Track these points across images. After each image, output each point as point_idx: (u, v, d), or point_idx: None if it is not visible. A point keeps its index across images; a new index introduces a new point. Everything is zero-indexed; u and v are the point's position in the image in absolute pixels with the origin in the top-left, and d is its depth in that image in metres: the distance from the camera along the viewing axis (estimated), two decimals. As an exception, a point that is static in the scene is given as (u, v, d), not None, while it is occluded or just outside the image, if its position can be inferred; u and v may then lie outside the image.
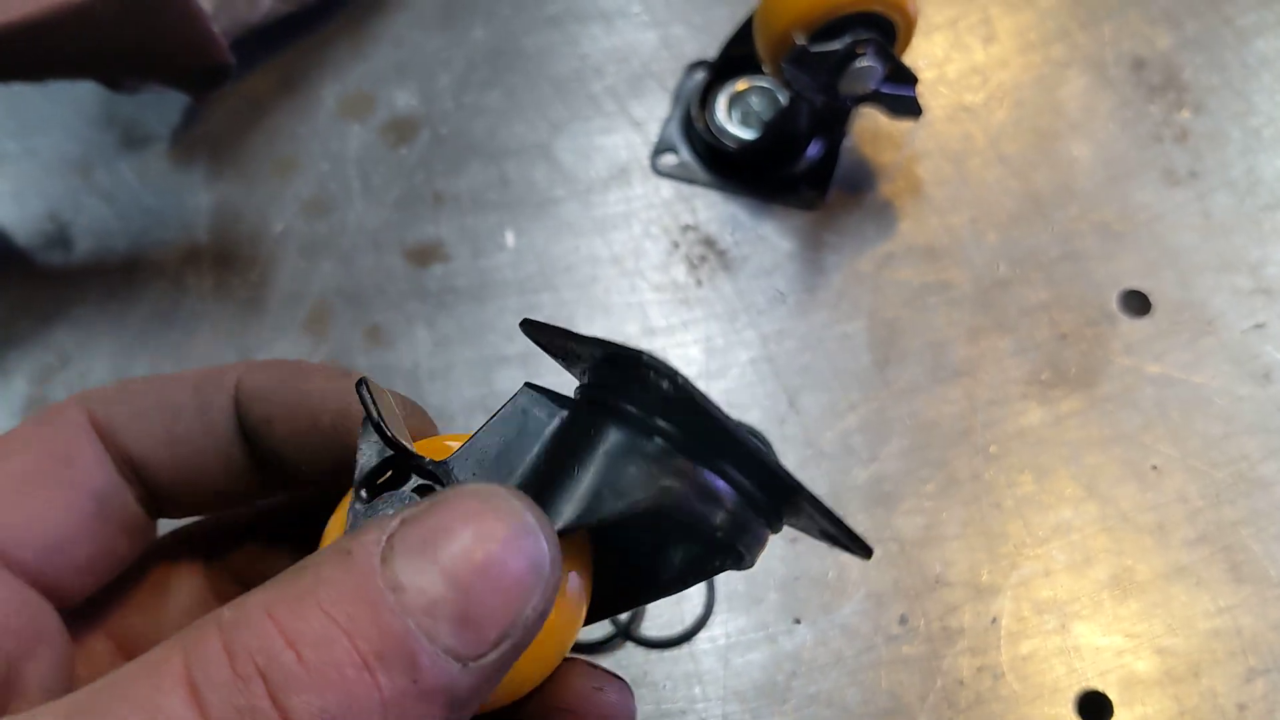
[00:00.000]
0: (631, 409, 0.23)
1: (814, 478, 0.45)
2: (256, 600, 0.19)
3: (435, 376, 0.48)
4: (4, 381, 0.49)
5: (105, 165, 0.55)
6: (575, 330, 0.24)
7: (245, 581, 0.32)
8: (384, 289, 0.51)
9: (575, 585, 0.24)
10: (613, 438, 0.22)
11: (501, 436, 0.24)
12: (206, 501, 0.29)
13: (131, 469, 0.27)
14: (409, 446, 0.24)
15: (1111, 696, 0.41)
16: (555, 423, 0.24)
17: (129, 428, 0.27)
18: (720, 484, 0.23)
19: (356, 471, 0.24)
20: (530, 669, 0.24)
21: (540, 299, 0.50)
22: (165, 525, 0.30)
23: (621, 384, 0.23)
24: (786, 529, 0.25)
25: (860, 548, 0.23)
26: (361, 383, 0.25)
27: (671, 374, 0.21)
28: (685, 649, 0.43)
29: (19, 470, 0.26)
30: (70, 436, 0.26)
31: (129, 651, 0.29)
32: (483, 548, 0.19)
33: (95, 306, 0.51)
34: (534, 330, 0.25)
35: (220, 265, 0.51)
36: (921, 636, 0.42)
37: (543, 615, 0.20)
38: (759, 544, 0.24)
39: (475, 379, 0.48)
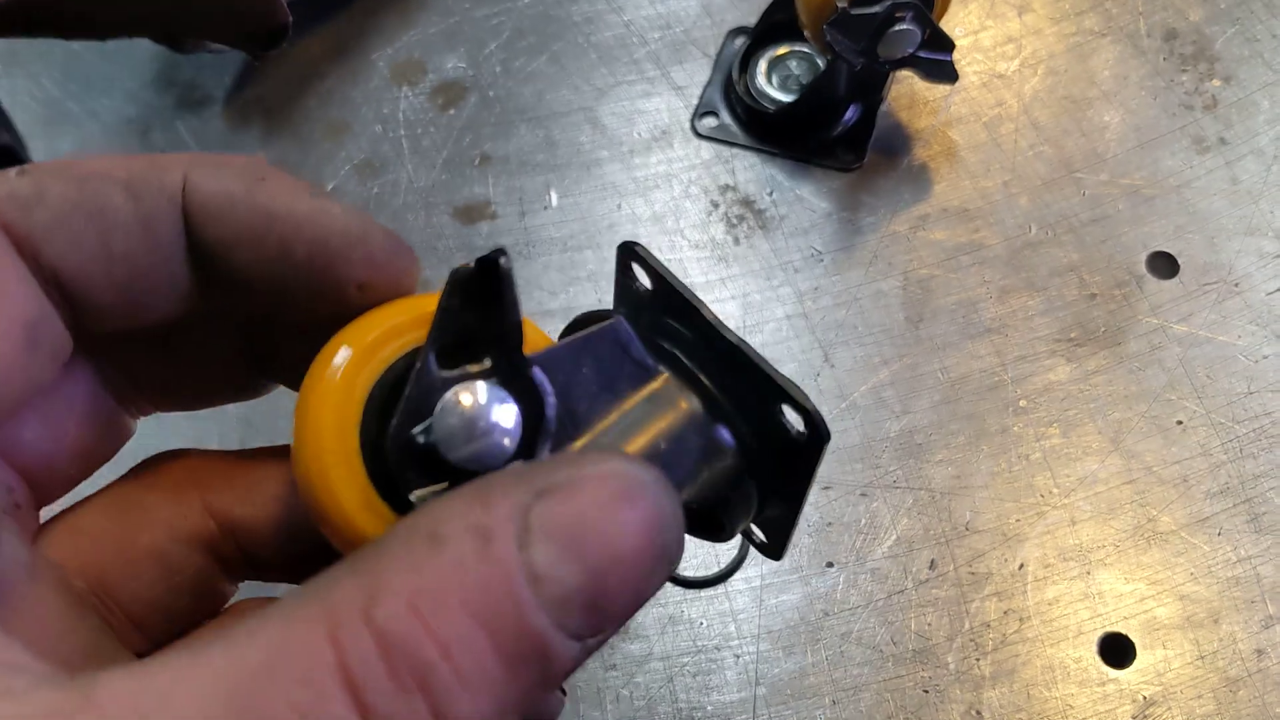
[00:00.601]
0: (715, 393, 0.25)
1: (847, 429, 0.47)
2: (398, 585, 0.18)
3: (482, 328, 0.50)
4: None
5: (163, 126, 0.57)
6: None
7: (142, 387, 0.29)
8: (434, 246, 0.52)
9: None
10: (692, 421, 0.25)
11: (586, 358, 0.24)
12: (142, 324, 0.25)
13: (58, 288, 0.23)
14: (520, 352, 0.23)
15: (1134, 639, 0.42)
16: (634, 366, 0.25)
17: (55, 239, 0.23)
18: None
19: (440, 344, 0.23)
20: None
21: (583, 256, 0.51)
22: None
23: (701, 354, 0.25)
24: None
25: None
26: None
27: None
28: (721, 589, 0.44)
29: None
30: None
31: (22, 468, 0.26)
32: (623, 540, 0.19)
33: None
34: (629, 256, 0.26)
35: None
36: (950, 581, 0.44)
37: (654, 593, 0.20)
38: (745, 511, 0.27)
39: (520, 333, 0.50)
